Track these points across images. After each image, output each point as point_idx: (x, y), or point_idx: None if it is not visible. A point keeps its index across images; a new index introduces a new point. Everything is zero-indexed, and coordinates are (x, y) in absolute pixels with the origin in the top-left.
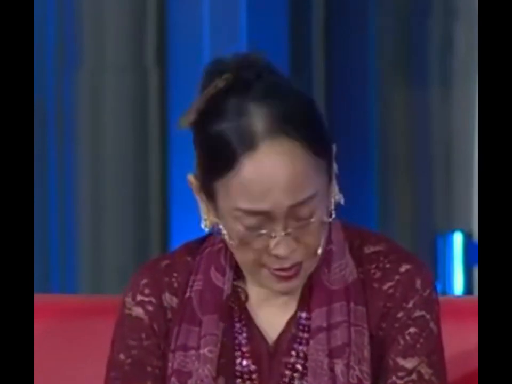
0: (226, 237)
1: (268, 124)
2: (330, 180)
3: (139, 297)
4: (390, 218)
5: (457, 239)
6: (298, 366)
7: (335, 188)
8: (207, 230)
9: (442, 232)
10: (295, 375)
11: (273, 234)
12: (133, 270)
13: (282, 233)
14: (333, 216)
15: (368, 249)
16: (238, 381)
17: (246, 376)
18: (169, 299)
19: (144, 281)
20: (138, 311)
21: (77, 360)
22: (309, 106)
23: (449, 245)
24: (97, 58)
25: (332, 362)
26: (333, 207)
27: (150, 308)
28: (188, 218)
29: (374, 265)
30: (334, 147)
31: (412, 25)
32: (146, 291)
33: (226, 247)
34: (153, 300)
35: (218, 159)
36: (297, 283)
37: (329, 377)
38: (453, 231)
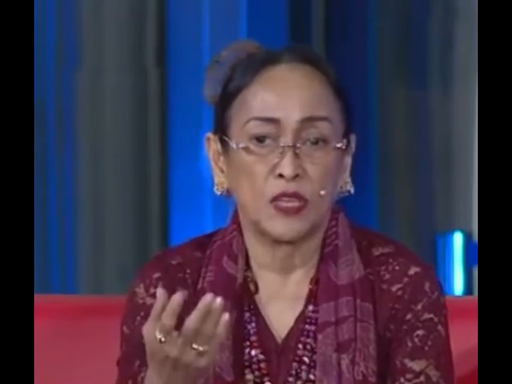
0: (235, 187)
1: (294, 55)
2: (345, 138)
3: (152, 290)
4: (390, 218)
5: (457, 239)
6: (305, 359)
7: (348, 173)
8: (219, 193)
9: (442, 232)
10: (303, 367)
11: (281, 144)
12: (133, 270)
13: (290, 144)
14: (352, 190)
15: (377, 251)
16: (247, 371)
17: (254, 366)
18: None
19: (157, 275)
20: (152, 302)
21: (77, 360)
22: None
23: (449, 245)
24: (97, 58)
25: (339, 357)
26: (347, 185)
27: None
28: (188, 218)
29: (383, 267)
30: (354, 137)
31: (412, 25)
32: (160, 285)
33: (238, 236)
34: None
35: (240, 78)
36: (299, 225)
37: (337, 372)
38: (453, 231)
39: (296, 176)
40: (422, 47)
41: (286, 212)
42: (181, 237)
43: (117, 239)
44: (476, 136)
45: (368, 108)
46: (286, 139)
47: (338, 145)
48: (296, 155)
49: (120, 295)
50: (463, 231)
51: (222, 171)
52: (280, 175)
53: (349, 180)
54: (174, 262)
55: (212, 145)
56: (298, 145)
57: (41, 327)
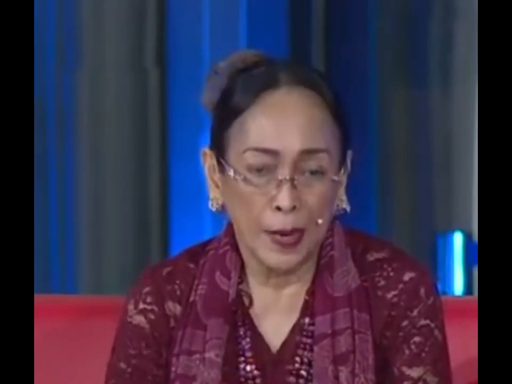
0: (230, 209)
1: (293, 77)
2: (342, 167)
3: (141, 305)
4: (389, 218)
5: (457, 239)
6: (303, 372)
7: (343, 191)
8: (214, 209)
9: (442, 232)
10: (300, 381)
11: (280, 177)
12: (133, 270)
13: (288, 177)
14: (348, 209)
15: (372, 256)
16: None
17: (250, 382)
18: (172, 307)
19: (147, 289)
20: (139, 319)
21: (77, 360)
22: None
23: (449, 245)
24: (97, 58)
25: (336, 369)
26: (342, 202)
27: (151, 316)
28: (188, 218)
29: (377, 273)
30: (350, 153)
31: (412, 25)
32: (149, 299)
33: (231, 250)
34: (155, 308)
35: (240, 98)
36: (295, 258)
37: None
38: (453, 231)
39: (293, 208)
40: (422, 47)
41: (283, 245)
42: (181, 238)
43: (117, 240)
44: (476, 136)
45: (368, 108)
46: (284, 171)
47: (335, 177)
48: (294, 186)
49: (120, 295)
50: (463, 231)
51: (217, 186)
52: (278, 208)
53: (344, 197)
54: (164, 273)
55: (207, 160)
56: (296, 177)
57: (41, 327)
